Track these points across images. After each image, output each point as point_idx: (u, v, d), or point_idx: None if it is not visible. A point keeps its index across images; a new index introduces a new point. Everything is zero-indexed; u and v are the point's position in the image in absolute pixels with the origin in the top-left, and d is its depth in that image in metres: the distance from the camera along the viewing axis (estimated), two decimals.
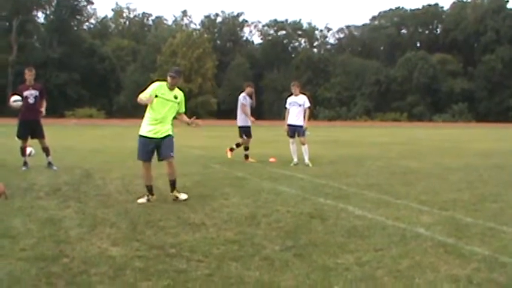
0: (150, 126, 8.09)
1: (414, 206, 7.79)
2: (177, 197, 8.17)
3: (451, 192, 9.25)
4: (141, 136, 8.15)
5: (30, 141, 12.03)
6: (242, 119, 14.43)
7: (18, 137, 11.85)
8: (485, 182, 10.67)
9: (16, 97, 11.32)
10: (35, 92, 11.72)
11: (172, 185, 8.27)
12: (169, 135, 8.17)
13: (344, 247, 5.45)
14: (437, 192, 9.17)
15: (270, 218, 6.82)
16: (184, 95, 8.58)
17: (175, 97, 8.22)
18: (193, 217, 6.83)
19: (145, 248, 5.33)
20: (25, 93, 11.58)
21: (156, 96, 8.07)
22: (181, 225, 6.35)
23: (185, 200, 8.09)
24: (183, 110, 8.46)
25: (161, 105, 8.09)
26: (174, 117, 8.37)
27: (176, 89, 8.29)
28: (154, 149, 8.13)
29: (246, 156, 14.34)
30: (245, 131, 14.42)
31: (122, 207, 7.44)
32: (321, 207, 7.64)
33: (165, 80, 8.33)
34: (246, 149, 14.44)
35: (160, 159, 8.26)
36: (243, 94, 14.51)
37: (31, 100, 11.63)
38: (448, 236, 5.93)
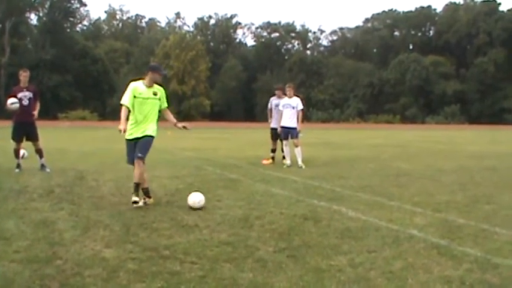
0: (133, 128, 7.96)
1: (407, 208, 7.82)
2: (135, 202, 7.73)
3: (444, 194, 9.28)
4: (126, 140, 8.06)
5: (23, 143, 11.98)
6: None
7: (13, 139, 11.81)
8: (477, 184, 10.71)
9: (13, 99, 11.32)
10: (29, 94, 11.70)
11: (135, 186, 7.87)
12: (147, 135, 7.95)
13: (337, 249, 5.46)
14: (430, 194, 9.21)
15: (264, 220, 6.82)
16: (165, 90, 8.38)
17: (155, 94, 8.02)
18: (186, 219, 6.83)
19: (138, 250, 5.33)
20: (19, 95, 11.55)
21: (135, 97, 7.90)
22: (175, 227, 6.35)
23: (140, 204, 7.74)
24: (165, 105, 8.20)
25: (141, 105, 7.92)
26: (159, 116, 8.21)
27: (155, 85, 8.08)
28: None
29: (272, 158, 14.51)
30: (271, 133, 14.67)
31: (115, 209, 7.43)
32: (315, 209, 7.66)
33: (141, 78, 8.15)
34: (272, 151, 14.59)
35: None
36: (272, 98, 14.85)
37: (25, 102, 11.60)
38: (440, 238, 5.96)
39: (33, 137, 11.86)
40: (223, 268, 4.77)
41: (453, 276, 4.61)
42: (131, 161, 8.05)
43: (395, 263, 4.97)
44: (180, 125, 8.41)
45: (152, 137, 8.02)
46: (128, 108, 7.90)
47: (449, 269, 4.83)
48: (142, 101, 7.93)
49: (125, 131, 7.80)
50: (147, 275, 4.54)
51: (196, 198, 7.64)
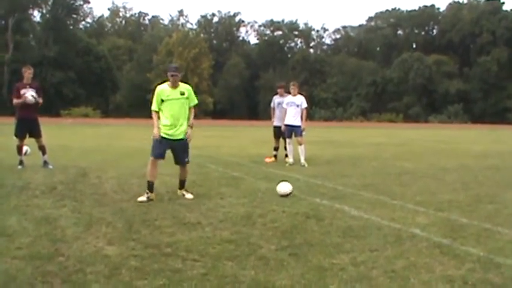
0: (166, 128, 8.18)
1: (410, 207, 7.81)
2: (183, 195, 8.39)
3: (447, 193, 9.27)
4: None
5: (26, 139, 11.99)
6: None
7: (16, 135, 11.83)
8: (480, 183, 10.69)
9: (32, 92, 11.51)
10: (32, 91, 11.72)
11: (182, 183, 8.59)
12: (183, 139, 8.29)
13: (339, 247, 5.46)
14: (432, 193, 9.19)
15: (266, 218, 6.82)
16: (193, 89, 8.59)
17: (182, 93, 8.20)
18: (189, 216, 6.84)
19: (141, 247, 5.33)
20: (22, 92, 11.59)
21: (162, 100, 8.12)
22: (177, 225, 6.36)
23: (190, 198, 8.22)
24: (194, 102, 8.42)
25: (170, 107, 8.13)
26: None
27: (181, 84, 8.27)
28: (168, 149, 8.26)
29: (275, 156, 14.52)
30: (274, 131, 14.67)
31: (117, 206, 7.44)
32: (317, 207, 7.65)
33: (165, 80, 8.33)
34: (274, 149, 14.64)
35: (176, 163, 8.48)
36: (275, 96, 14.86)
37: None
38: (443, 237, 5.95)
39: (36, 133, 11.87)
40: (226, 266, 4.78)
41: (455, 275, 4.61)
42: (158, 156, 8.19)
43: (397, 262, 4.96)
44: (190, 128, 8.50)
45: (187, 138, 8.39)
46: (157, 112, 8.26)
47: (451, 268, 4.82)
48: (171, 103, 8.15)
49: (158, 136, 8.14)
50: (149, 272, 4.55)
51: (284, 188, 8.57)
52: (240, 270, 4.66)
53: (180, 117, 8.20)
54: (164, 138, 8.17)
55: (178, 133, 8.22)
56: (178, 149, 8.34)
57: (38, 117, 11.93)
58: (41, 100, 11.93)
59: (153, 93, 8.42)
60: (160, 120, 8.27)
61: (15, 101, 11.56)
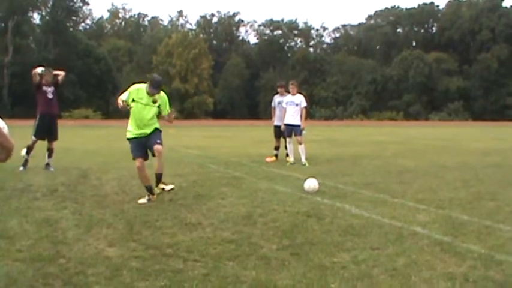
0: (135, 129, 8.10)
1: (411, 205, 7.81)
2: (163, 189, 8.21)
3: (448, 190, 9.27)
4: (129, 139, 8.19)
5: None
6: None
7: (36, 135, 11.84)
8: (481, 181, 10.68)
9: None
10: (51, 89, 12.01)
11: (159, 177, 8.20)
12: (155, 129, 8.16)
13: (340, 246, 5.46)
14: (433, 191, 9.19)
15: (267, 218, 6.82)
16: (168, 97, 8.40)
17: (154, 101, 8.04)
18: (190, 217, 6.83)
19: (142, 248, 5.33)
20: (44, 88, 11.89)
21: (134, 100, 7.97)
22: (178, 225, 6.36)
23: (171, 189, 8.20)
24: (165, 113, 8.26)
25: (139, 110, 7.99)
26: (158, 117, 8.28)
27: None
28: (146, 145, 8.12)
29: (276, 155, 14.55)
30: (275, 131, 14.70)
31: (118, 208, 7.44)
32: (318, 206, 7.65)
33: (145, 82, 8.20)
34: (275, 148, 14.67)
35: (152, 152, 8.18)
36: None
37: (50, 95, 11.94)
38: (444, 234, 5.95)
39: (53, 136, 12.03)
40: (227, 266, 4.78)
41: (457, 272, 4.61)
42: (138, 155, 8.07)
43: (398, 260, 4.96)
44: (170, 115, 8.34)
45: (159, 129, 8.20)
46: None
47: (452, 265, 4.82)
48: (140, 106, 8.00)
49: (123, 102, 7.95)
50: (150, 273, 4.55)
51: (311, 184, 8.89)
52: (241, 270, 4.66)
53: (147, 122, 8.06)
54: (136, 138, 8.10)
55: (146, 130, 8.09)
56: (150, 137, 8.09)
57: (57, 116, 12.19)
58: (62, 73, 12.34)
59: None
60: (130, 120, 8.18)
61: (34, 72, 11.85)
